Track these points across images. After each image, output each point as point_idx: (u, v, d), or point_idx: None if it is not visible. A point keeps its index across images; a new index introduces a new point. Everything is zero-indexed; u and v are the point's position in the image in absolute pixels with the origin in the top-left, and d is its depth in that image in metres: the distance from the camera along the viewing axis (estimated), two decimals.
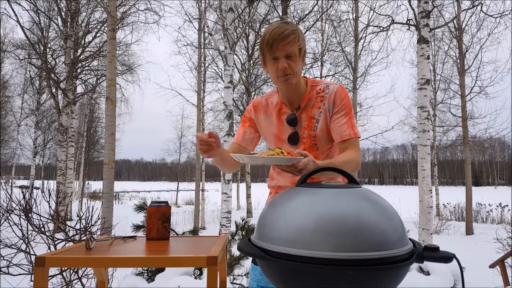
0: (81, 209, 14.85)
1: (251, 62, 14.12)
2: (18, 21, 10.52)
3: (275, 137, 1.53)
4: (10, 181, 21.93)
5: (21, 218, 3.13)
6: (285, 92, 1.48)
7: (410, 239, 0.88)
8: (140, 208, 3.95)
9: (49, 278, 3.17)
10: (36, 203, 3.24)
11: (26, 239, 3.10)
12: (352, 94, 11.98)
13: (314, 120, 1.46)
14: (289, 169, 1.22)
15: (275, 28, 1.38)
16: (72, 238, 3.16)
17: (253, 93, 14.33)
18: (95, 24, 12.36)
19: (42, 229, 3.08)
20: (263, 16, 12.60)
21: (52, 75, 11.30)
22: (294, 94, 1.48)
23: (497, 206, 14.91)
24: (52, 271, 3.52)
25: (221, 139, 1.49)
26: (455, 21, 11.61)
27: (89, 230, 3.20)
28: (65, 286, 3.10)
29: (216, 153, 1.33)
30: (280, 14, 10.92)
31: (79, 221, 3.28)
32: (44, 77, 14.17)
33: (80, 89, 13.98)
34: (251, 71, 14.39)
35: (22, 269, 3.09)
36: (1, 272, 3.02)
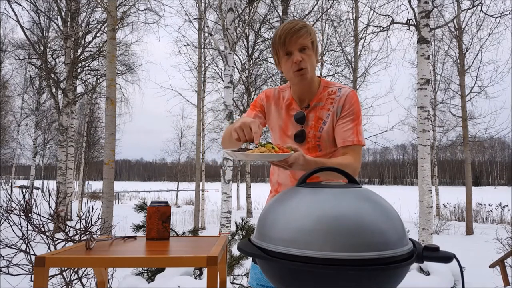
0: (81, 209, 14.85)
1: (251, 62, 14.13)
2: (18, 21, 10.53)
3: (280, 131, 1.54)
4: (10, 181, 21.93)
5: (21, 218, 3.13)
6: (297, 89, 1.48)
7: (410, 239, 0.88)
8: (140, 208, 3.95)
9: (49, 278, 3.17)
10: (36, 203, 3.24)
11: (26, 239, 3.10)
12: None
13: (322, 121, 1.46)
14: (280, 164, 1.24)
15: (286, 25, 1.39)
16: (72, 238, 3.16)
17: (253, 93, 14.34)
18: (95, 24, 12.36)
19: (42, 229, 3.08)
20: (263, 16, 12.60)
21: (52, 75, 11.31)
22: (306, 92, 1.48)
23: (497, 206, 14.92)
24: (52, 271, 3.52)
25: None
26: (455, 21, 11.62)
27: (89, 230, 3.20)
28: (65, 286, 3.10)
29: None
30: (280, 14, 10.93)
31: (79, 221, 3.28)
32: (44, 77, 14.17)
33: (80, 89, 13.99)
34: (251, 71, 14.39)
35: (22, 269, 3.09)
36: (1, 272, 3.02)
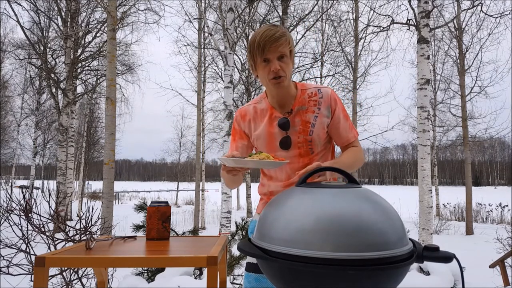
0: (81, 209, 14.85)
1: None
2: (18, 21, 10.53)
3: (266, 142, 1.49)
4: (10, 181, 21.92)
5: (21, 218, 3.13)
6: (275, 95, 1.46)
7: (410, 239, 0.88)
8: (140, 208, 3.95)
9: (49, 278, 3.17)
10: (36, 203, 3.24)
11: (26, 239, 3.10)
12: (352, 94, 11.99)
13: (310, 124, 1.45)
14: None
15: (265, 31, 1.36)
16: (72, 238, 3.16)
17: (253, 93, 14.34)
18: (95, 24, 12.36)
19: (42, 229, 3.08)
20: (263, 16, 12.60)
21: (52, 75, 11.31)
22: (285, 98, 1.46)
23: (497, 206, 14.92)
24: (52, 271, 3.53)
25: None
26: (455, 21, 11.62)
27: (89, 230, 3.20)
28: (65, 286, 3.10)
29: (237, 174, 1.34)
30: (280, 14, 10.92)
31: (79, 221, 3.28)
32: (44, 77, 14.17)
33: (80, 89, 14.00)
34: (251, 71, 14.36)
35: (22, 269, 3.09)
36: (1, 272, 3.02)
